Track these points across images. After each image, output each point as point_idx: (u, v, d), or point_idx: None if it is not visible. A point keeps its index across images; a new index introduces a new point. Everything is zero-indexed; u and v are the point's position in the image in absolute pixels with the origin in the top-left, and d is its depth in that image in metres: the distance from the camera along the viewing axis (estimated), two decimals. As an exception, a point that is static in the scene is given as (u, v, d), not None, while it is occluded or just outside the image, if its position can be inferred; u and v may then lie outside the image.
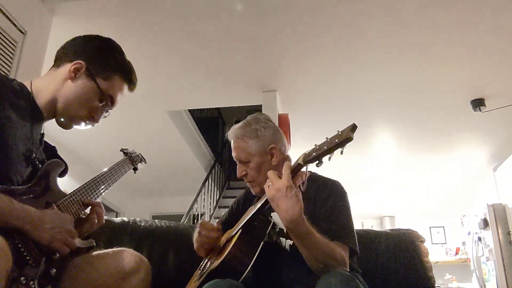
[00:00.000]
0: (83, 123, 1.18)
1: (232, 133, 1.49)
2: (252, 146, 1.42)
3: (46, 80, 1.16)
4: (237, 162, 1.47)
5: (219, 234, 1.47)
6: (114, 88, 1.18)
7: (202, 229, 1.44)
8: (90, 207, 1.20)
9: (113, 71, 1.18)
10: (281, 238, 1.35)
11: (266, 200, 1.17)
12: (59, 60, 1.17)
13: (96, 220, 1.20)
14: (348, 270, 1.20)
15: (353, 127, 0.95)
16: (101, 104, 1.17)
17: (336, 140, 0.97)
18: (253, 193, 1.49)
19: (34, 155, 1.09)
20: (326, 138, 1.01)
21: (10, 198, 0.92)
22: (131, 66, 1.24)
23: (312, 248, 1.14)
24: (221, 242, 1.45)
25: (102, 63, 1.16)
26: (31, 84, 1.13)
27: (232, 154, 1.48)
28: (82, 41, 1.19)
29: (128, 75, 1.22)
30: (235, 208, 1.62)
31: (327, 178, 1.45)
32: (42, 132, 1.17)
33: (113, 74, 1.18)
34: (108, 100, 1.18)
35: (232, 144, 1.48)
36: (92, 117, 1.18)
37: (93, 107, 1.17)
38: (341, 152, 0.99)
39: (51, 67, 1.19)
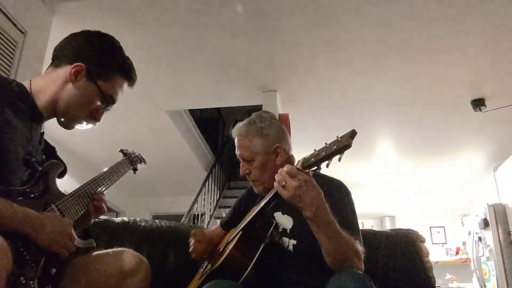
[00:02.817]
0: (84, 123, 1.18)
1: (236, 131, 1.45)
2: (257, 145, 1.39)
3: (46, 81, 1.14)
4: (241, 160, 1.44)
5: (208, 244, 1.46)
6: (115, 88, 1.18)
7: (191, 240, 1.44)
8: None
9: (114, 71, 1.17)
10: (283, 238, 1.33)
11: (269, 200, 1.16)
12: (57, 60, 1.16)
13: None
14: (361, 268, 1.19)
15: (352, 134, 0.93)
16: (102, 105, 1.17)
17: (335, 147, 0.95)
18: (256, 192, 1.46)
19: (34, 158, 1.08)
20: (325, 143, 0.99)
21: (10, 201, 0.91)
22: (130, 63, 1.23)
23: (335, 237, 1.11)
24: (223, 243, 1.45)
25: (102, 65, 1.15)
26: (30, 84, 1.12)
27: (236, 151, 1.45)
28: (81, 40, 1.17)
29: (128, 73, 1.21)
30: (238, 208, 1.60)
31: (330, 177, 1.42)
32: (42, 131, 1.16)
33: (113, 75, 1.17)
34: (109, 100, 1.18)
35: (236, 141, 1.45)
36: (93, 117, 1.18)
37: (94, 108, 1.16)
38: (339, 159, 0.97)
39: (49, 66, 1.17)
